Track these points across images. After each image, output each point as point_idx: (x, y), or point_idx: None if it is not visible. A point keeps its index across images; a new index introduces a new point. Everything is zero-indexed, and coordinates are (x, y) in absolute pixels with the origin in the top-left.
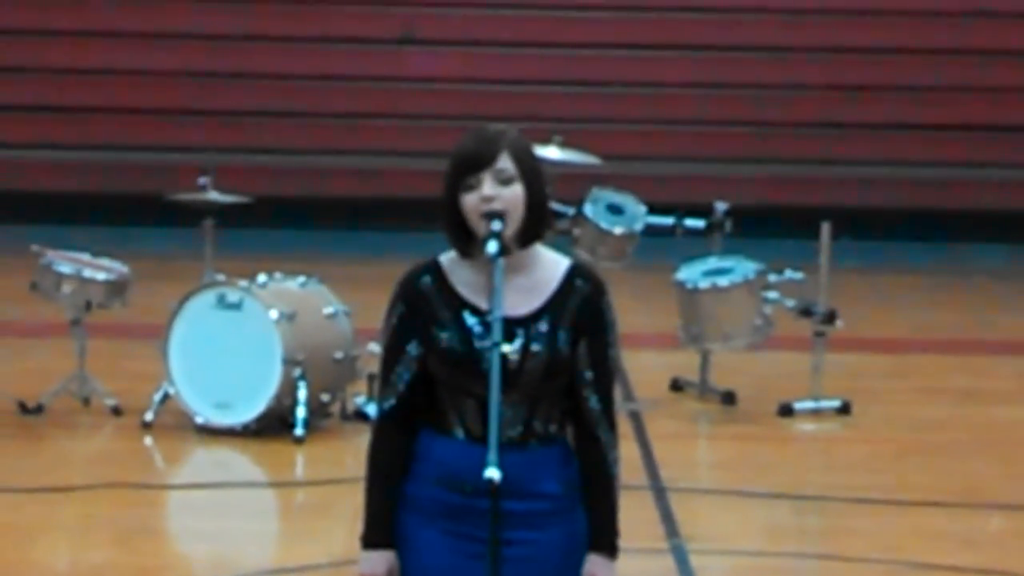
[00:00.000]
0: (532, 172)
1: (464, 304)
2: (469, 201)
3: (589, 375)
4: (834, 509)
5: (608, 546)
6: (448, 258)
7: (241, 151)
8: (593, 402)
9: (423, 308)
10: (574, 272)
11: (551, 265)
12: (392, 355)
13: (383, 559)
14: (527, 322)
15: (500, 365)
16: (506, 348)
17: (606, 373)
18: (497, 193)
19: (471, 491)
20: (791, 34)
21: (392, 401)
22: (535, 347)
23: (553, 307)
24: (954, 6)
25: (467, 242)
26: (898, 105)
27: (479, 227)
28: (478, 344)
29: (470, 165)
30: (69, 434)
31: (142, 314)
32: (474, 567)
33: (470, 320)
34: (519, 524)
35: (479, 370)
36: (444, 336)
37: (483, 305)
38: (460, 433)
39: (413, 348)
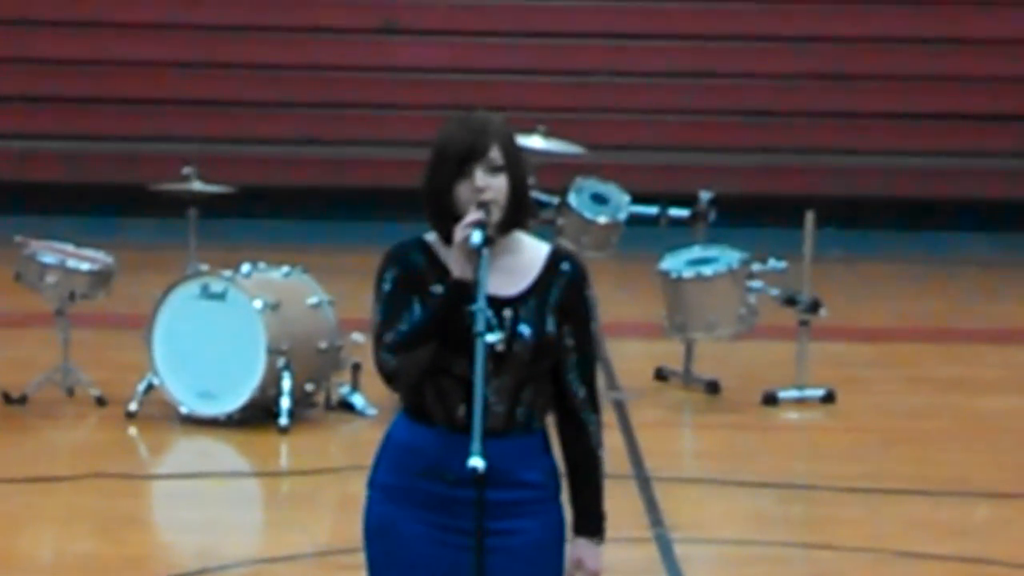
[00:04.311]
0: (517, 161)
1: None
2: (460, 191)
3: (574, 358)
4: (819, 498)
5: (595, 529)
6: (434, 237)
7: (225, 141)
8: (577, 385)
9: (415, 279)
10: (557, 255)
11: (533, 249)
12: (392, 313)
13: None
14: (514, 303)
15: (487, 350)
16: (491, 338)
17: (590, 356)
18: (487, 183)
19: (454, 481)
20: (775, 23)
21: (392, 335)
22: (523, 329)
23: (539, 289)
24: None
25: (453, 230)
26: (883, 94)
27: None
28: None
29: (464, 157)
30: (53, 424)
31: (126, 304)
32: (459, 558)
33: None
34: (501, 513)
35: (465, 348)
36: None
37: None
38: (442, 421)
39: (416, 302)
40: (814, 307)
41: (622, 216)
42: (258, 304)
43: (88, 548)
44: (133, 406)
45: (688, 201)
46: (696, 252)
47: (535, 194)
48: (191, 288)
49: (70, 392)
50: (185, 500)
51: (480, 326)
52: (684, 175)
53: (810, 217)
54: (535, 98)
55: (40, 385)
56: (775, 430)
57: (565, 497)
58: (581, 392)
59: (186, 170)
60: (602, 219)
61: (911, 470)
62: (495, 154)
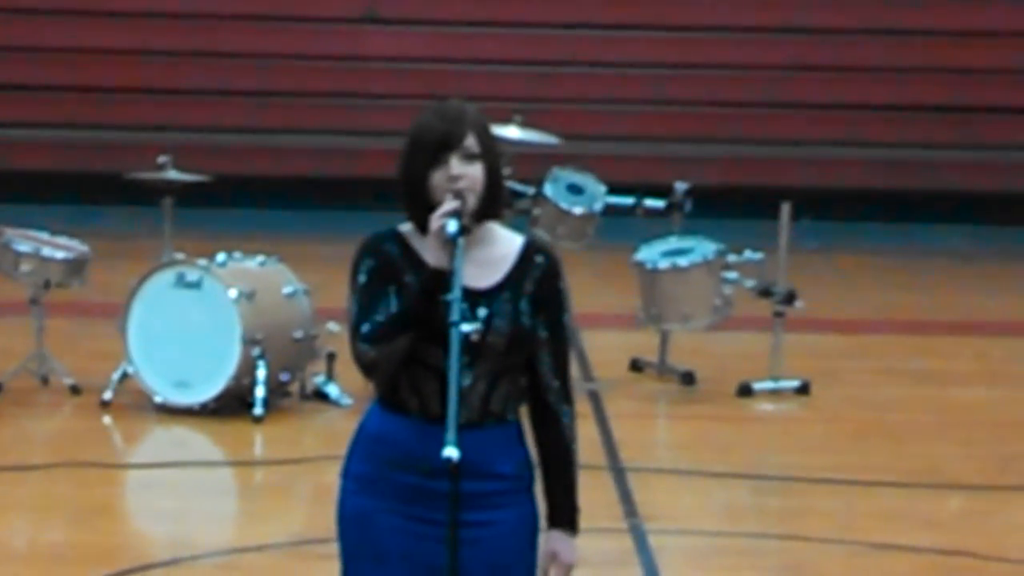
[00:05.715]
0: (492, 150)
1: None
2: (436, 180)
3: (547, 350)
4: (793, 489)
5: (568, 522)
6: (408, 228)
7: (201, 130)
8: (551, 377)
9: (389, 270)
10: (531, 247)
11: (506, 240)
12: (369, 304)
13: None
14: (489, 295)
15: (462, 340)
16: (467, 328)
17: (564, 348)
18: (463, 172)
19: (428, 472)
20: (750, 14)
21: (369, 326)
22: (497, 321)
23: (513, 281)
24: None
25: (428, 219)
26: (858, 85)
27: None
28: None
29: (439, 145)
30: (27, 413)
31: (101, 293)
32: (433, 550)
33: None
34: (474, 505)
35: (440, 339)
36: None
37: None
38: (416, 411)
39: (392, 293)
40: (789, 299)
41: (598, 207)
42: (233, 293)
43: (61, 537)
44: (107, 395)
45: (664, 192)
46: (672, 243)
47: (511, 184)
48: (166, 277)
49: (44, 380)
50: (159, 489)
51: (455, 316)
52: (660, 166)
53: (786, 208)
54: (511, 88)
55: (15, 373)
56: (750, 421)
57: (539, 488)
58: (555, 384)
59: (162, 159)
60: (578, 209)
61: (885, 462)
62: (470, 142)
